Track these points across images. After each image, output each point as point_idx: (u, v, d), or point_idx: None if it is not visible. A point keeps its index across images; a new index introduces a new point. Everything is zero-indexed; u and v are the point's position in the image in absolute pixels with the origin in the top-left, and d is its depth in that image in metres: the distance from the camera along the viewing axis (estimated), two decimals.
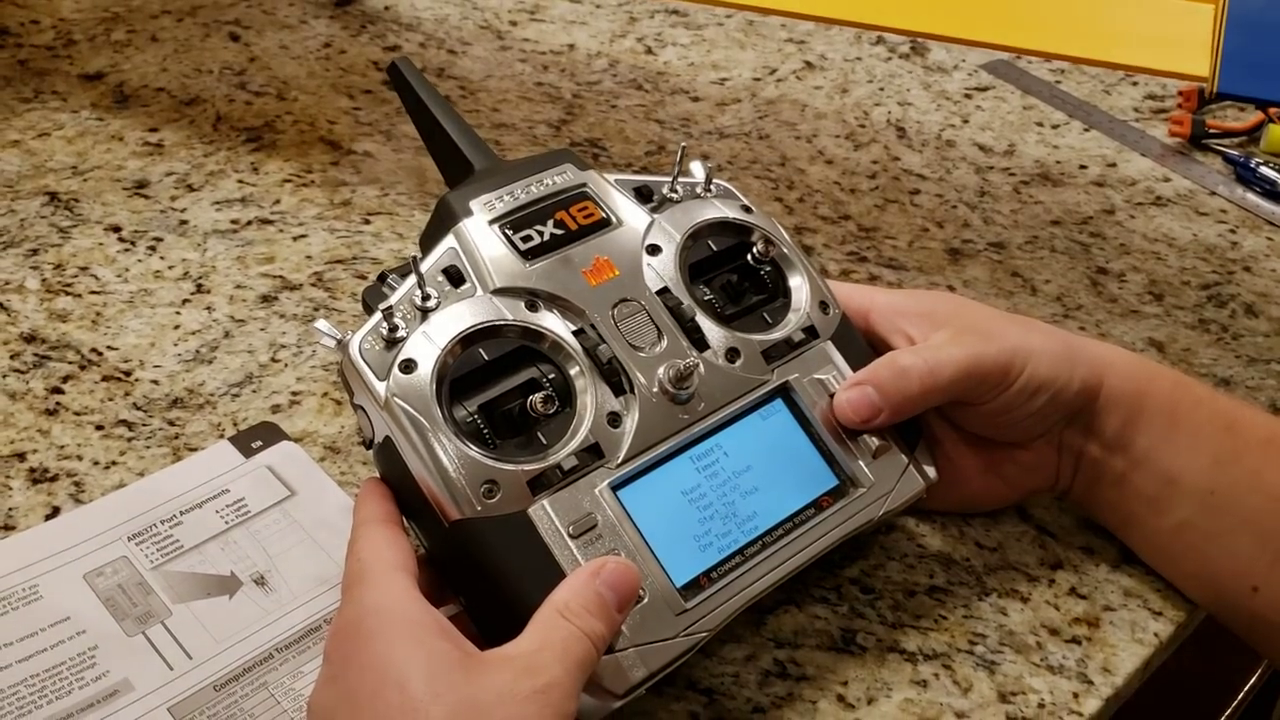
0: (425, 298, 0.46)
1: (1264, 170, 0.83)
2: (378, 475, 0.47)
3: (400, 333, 0.45)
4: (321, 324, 0.46)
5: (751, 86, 0.92)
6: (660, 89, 0.90)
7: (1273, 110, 0.88)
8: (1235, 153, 0.86)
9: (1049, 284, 0.73)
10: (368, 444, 0.47)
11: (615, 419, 0.47)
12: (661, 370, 0.48)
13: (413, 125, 0.58)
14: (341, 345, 0.46)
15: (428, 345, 0.45)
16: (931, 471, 0.52)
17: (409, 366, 0.45)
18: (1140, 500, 0.53)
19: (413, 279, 0.47)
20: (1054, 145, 0.87)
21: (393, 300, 0.46)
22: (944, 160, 0.85)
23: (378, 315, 0.46)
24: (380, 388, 0.44)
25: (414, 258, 0.47)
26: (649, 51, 0.95)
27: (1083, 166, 0.85)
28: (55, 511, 0.54)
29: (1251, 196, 0.83)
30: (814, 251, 0.74)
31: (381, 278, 0.50)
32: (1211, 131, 0.88)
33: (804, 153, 0.84)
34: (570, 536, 0.44)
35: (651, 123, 0.86)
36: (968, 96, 0.93)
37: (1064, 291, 0.73)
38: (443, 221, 0.50)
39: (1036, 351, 0.51)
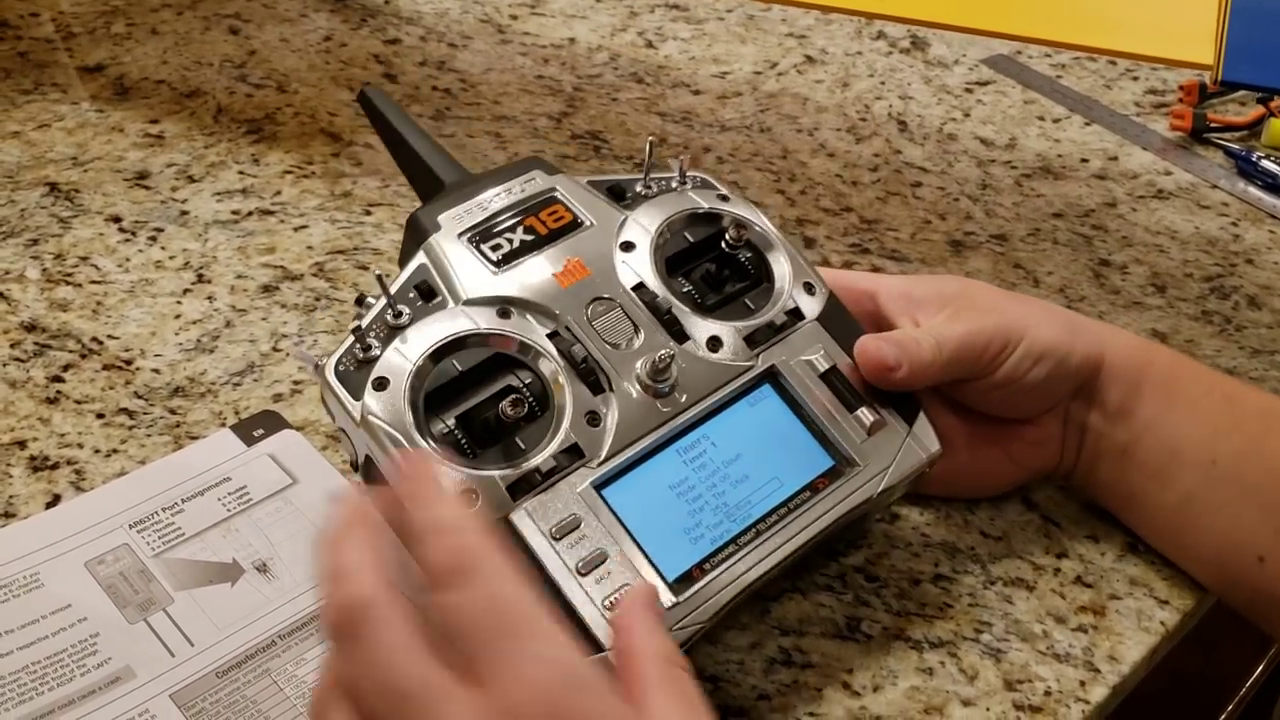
0: (397, 315, 0.46)
1: (1265, 164, 0.83)
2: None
3: (374, 351, 0.45)
4: (298, 349, 0.47)
5: (752, 80, 0.92)
6: (661, 82, 0.90)
7: (1274, 104, 0.88)
8: (1237, 146, 0.86)
9: (1051, 276, 0.73)
10: (354, 466, 0.46)
11: (594, 418, 0.46)
12: (639, 364, 0.47)
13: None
14: (318, 369, 0.46)
15: (400, 361, 0.45)
16: (933, 444, 0.50)
17: (381, 384, 0.44)
18: (1144, 473, 0.53)
19: (384, 298, 0.47)
20: (1055, 139, 0.87)
21: (364, 321, 0.46)
22: (945, 153, 0.85)
23: (350, 337, 0.46)
24: (356, 408, 0.44)
25: (379, 276, 0.47)
26: (649, 45, 0.95)
27: (1084, 160, 0.85)
28: (56, 499, 0.54)
29: (1253, 190, 0.83)
30: (816, 243, 0.74)
31: (360, 300, 0.49)
32: (1213, 125, 0.88)
33: (805, 146, 0.84)
34: (553, 539, 0.43)
35: (653, 115, 0.86)
36: (969, 91, 0.93)
37: (1067, 283, 0.73)
38: (414, 238, 0.50)
39: (1036, 321, 0.52)
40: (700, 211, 0.53)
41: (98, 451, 0.56)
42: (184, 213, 0.72)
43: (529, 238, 0.50)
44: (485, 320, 0.47)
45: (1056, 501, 0.58)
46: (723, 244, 0.52)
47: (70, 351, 0.61)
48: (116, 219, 0.71)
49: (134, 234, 0.70)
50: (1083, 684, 0.50)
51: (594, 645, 0.42)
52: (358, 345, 0.45)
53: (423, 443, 0.43)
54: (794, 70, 0.93)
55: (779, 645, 0.50)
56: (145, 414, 0.58)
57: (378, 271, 0.47)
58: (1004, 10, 0.72)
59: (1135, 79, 0.96)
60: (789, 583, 0.53)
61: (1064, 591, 0.54)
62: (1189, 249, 0.77)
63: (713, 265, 0.52)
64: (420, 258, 0.49)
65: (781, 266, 0.53)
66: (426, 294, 0.48)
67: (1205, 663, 0.89)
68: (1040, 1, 0.73)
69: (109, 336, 0.62)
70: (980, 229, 0.77)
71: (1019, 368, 0.51)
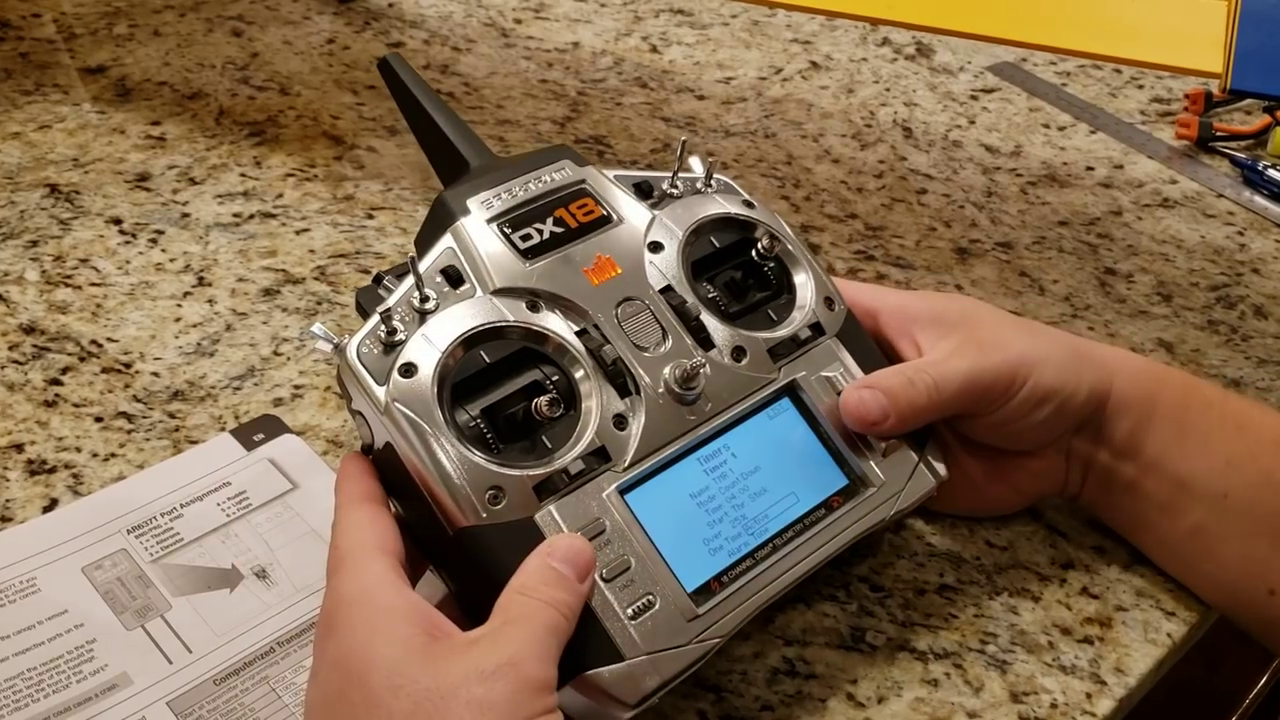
0: (424, 299, 0.45)
1: (1271, 173, 0.83)
2: (357, 450, 0.46)
3: (399, 336, 0.44)
4: (317, 328, 0.45)
5: (757, 86, 0.91)
6: (665, 87, 0.90)
7: None
8: (1242, 155, 0.86)
9: (1057, 284, 0.73)
10: (367, 450, 0.46)
11: (621, 421, 0.46)
12: (667, 370, 0.47)
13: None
14: (339, 350, 0.44)
15: (428, 348, 0.44)
16: (942, 469, 0.51)
17: (409, 370, 0.43)
18: (1153, 506, 0.52)
19: (410, 280, 0.45)
20: (1060, 147, 0.87)
21: (390, 302, 0.45)
22: (951, 160, 0.84)
23: (375, 318, 0.44)
24: (380, 393, 0.43)
25: (411, 258, 0.45)
26: (654, 50, 0.95)
27: (1090, 168, 0.85)
28: (53, 504, 0.53)
29: (1259, 199, 0.82)
30: (821, 250, 0.74)
31: (377, 279, 0.48)
32: (1219, 134, 0.88)
33: (810, 152, 0.84)
34: None
35: (657, 120, 0.85)
36: (974, 98, 0.92)
37: (1072, 291, 0.72)
38: (439, 221, 0.49)
39: (1042, 360, 0.50)
40: (729, 217, 0.53)
41: (96, 455, 0.56)
42: (185, 215, 0.71)
43: (559, 230, 0.49)
44: (515, 312, 0.46)
45: (1062, 512, 0.57)
46: (754, 253, 0.52)
47: (69, 354, 0.61)
48: (117, 221, 0.70)
49: (134, 236, 0.69)
50: (1089, 696, 0.49)
51: (614, 654, 0.42)
52: (382, 327, 0.44)
53: (448, 434, 0.43)
54: (799, 76, 0.93)
55: (783, 655, 0.50)
56: (144, 418, 0.58)
57: (410, 253, 0.46)
58: (1010, 17, 0.71)
59: (1141, 87, 0.96)
60: (793, 592, 0.52)
61: (1070, 603, 0.53)
62: (1195, 258, 0.76)
63: (738, 272, 0.52)
64: (447, 240, 0.47)
65: (804, 279, 0.52)
66: (454, 279, 0.46)
67: (1208, 675, 0.88)
68: (1047, 8, 0.73)
69: (108, 339, 0.62)
70: (985, 236, 0.77)
71: (1022, 409, 0.50)
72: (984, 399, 0.50)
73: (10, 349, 0.61)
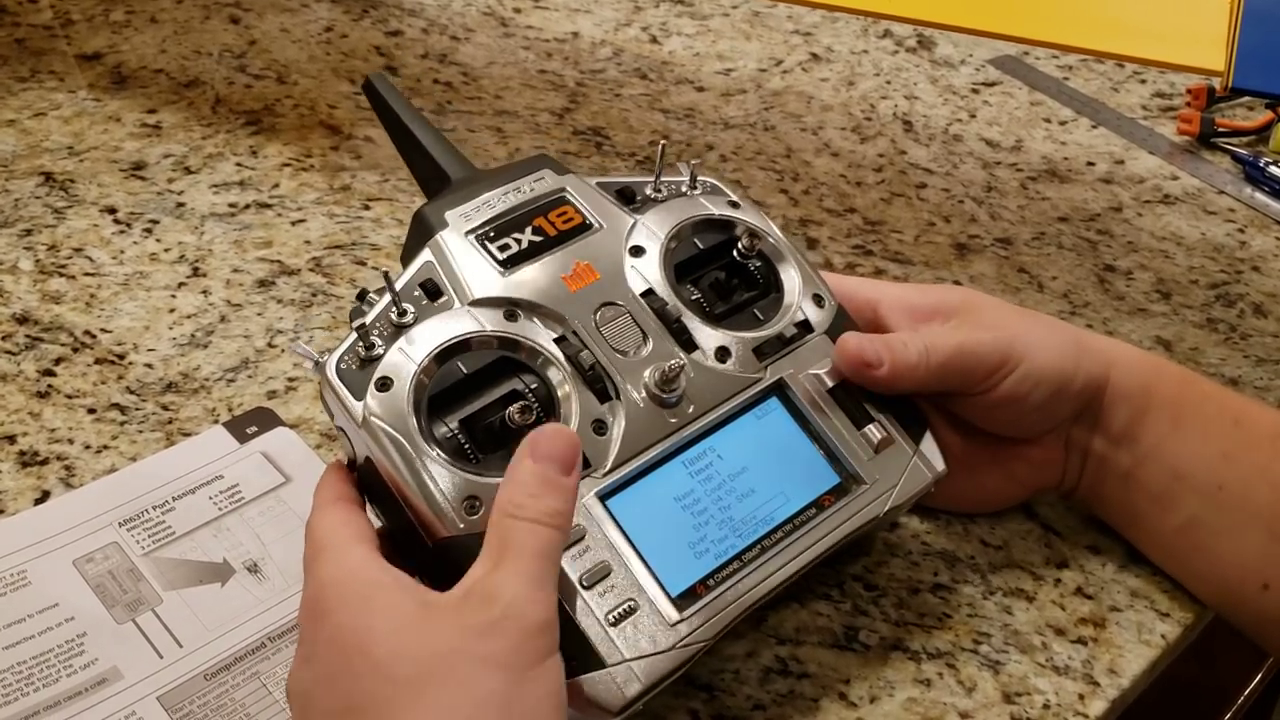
0: (401, 313, 0.45)
1: (1273, 169, 0.82)
2: (342, 459, 0.46)
3: (376, 350, 0.44)
4: (300, 346, 0.46)
5: (757, 78, 0.91)
6: (665, 78, 0.89)
7: None
8: (1244, 152, 0.85)
9: (1056, 280, 0.72)
10: (352, 465, 0.46)
11: (601, 426, 0.45)
12: (647, 374, 0.46)
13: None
14: (319, 366, 0.45)
15: (404, 361, 0.44)
16: (939, 463, 0.50)
17: (385, 384, 0.44)
18: (1147, 497, 0.52)
19: (389, 296, 0.46)
20: (1061, 142, 0.87)
21: (368, 318, 0.45)
22: (951, 155, 0.84)
23: (353, 334, 0.45)
24: (357, 407, 0.43)
25: (385, 273, 0.46)
26: (653, 41, 0.94)
27: (1090, 163, 0.85)
28: (45, 496, 0.53)
29: (1260, 196, 0.82)
30: (819, 244, 0.74)
31: (361, 296, 0.48)
32: (1220, 130, 0.87)
33: (810, 145, 0.83)
34: None
35: (656, 112, 0.85)
36: (975, 92, 0.92)
37: (1071, 288, 0.72)
38: (420, 235, 0.49)
39: (1037, 344, 0.50)
40: (711, 218, 0.52)
41: (88, 447, 0.55)
42: (180, 205, 0.71)
43: (538, 239, 0.49)
44: (492, 322, 0.46)
45: (1057, 511, 0.57)
46: (735, 253, 0.52)
47: (62, 345, 0.61)
48: (112, 210, 0.70)
49: (129, 226, 0.69)
50: (1081, 697, 0.49)
51: (596, 661, 0.41)
52: (360, 343, 0.44)
53: (425, 446, 0.43)
54: (799, 68, 0.93)
55: (775, 654, 0.50)
56: (137, 409, 0.58)
57: (384, 268, 0.46)
58: (1012, 12, 0.71)
59: (1143, 82, 0.95)
60: (785, 591, 0.52)
61: (1064, 603, 0.53)
62: (1195, 255, 0.76)
63: (722, 273, 0.52)
64: (426, 255, 0.48)
65: (791, 277, 0.52)
66: (432, 293, 0.47)
67: (1202, 672, 0.88)
68: (1049, 4, 0.72)
69: (102, 330, 0.62)
70: (985, 232, 0.76)
71: (1018, 389, 0.50)
72: (975, 373, 0.50)
73: (3, 339, 0.61)
